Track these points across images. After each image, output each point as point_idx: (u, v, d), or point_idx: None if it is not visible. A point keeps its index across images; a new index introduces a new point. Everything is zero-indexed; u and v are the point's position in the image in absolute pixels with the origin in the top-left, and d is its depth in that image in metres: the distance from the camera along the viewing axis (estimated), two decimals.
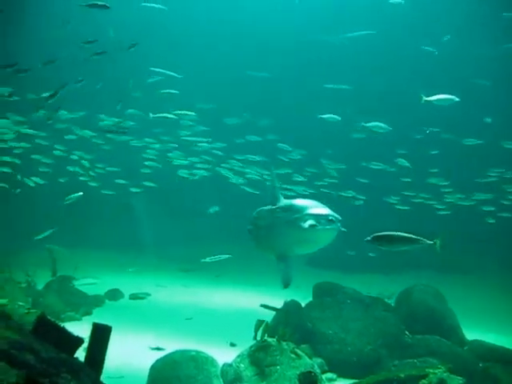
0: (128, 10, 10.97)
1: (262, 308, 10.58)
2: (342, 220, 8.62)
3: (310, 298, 11.33)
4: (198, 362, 8.65)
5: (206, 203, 17.63)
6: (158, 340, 11.05)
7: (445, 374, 8.15)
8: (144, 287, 15.87)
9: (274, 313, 10.68)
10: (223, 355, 9.56)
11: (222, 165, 17.51)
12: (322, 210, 8.75)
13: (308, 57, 22.09)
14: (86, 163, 17.25)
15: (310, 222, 8.59)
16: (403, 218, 16.25)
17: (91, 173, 17.37)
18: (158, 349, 9.65)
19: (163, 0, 17.27)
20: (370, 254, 16.00)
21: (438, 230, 7.54)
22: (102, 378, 4.74)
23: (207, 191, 18.90)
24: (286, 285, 9.02)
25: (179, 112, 15.27)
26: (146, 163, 17.72)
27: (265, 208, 9.64)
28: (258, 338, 9.46)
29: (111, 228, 20.51)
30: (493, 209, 16.35)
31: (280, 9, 22.67)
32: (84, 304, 13.40)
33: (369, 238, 7.22)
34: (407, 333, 10.40)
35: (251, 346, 9.22)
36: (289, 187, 15.77)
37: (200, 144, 17.64)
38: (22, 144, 15.95)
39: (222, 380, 8.67)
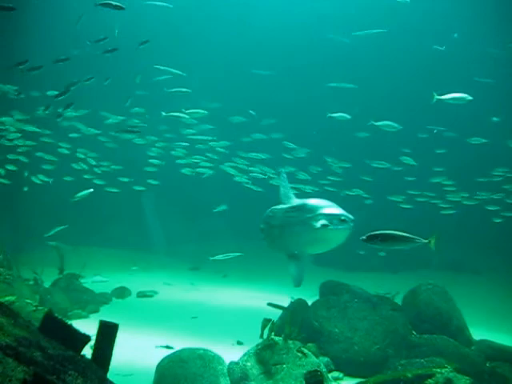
0: (133, 7, 10.96)
1: (269, 307, 10.56)
2: (354, 220, 8.59)
3: (317, 297, 11.32)
4: (205, 360, 8.67)
5: (214, 202, 17.63)
6: (164, 338, 11.06)
7: (451, 374, 8.13)
8: (152, 285, 15.92)
9: (280, 311, 10.67)
10: (230, 353, 9.57)
11: (229, 163, 17.49)
12: (334, 209, 8.73)
13: (315, 55, 22.05)
14: (91, 161, 17.30)
15: (323, 221, 8.57)
16: (409, 216, 16.25)
17: (96, 170, 17.40)
18: (168, 347, 9.65)
19: None
20: (380, 254, 15.99)
21: (435, 229, 7.52)
22: (110, 375, 4.76)
23: (215, 190, 18.92)
24: (297, 284, 9.02)
25: (190, 111, 15.26)
26: (153, 161, 17.74)
27: (277, 207, 9.65)
28: (265, 337, 9.46)
29: (118, 226, 20.58)
30: (498, 208, 16.29)
31: (286, 8, 22.65)
32: (91, 302, 13.47)
33: (364, 237, 7.22)
34: (414, 332, 10.38)
35: (258, 345, 9.23)
36: (293, 186, 15.75)
37: (210, 143, 17.63)
38: (28, 142, 16.01)
39: (228, 378, 8.68)
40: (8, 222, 17.15)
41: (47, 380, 3.89)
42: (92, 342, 4.82)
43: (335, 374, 9.75)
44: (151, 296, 15.20)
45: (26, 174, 16.39)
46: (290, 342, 9.19)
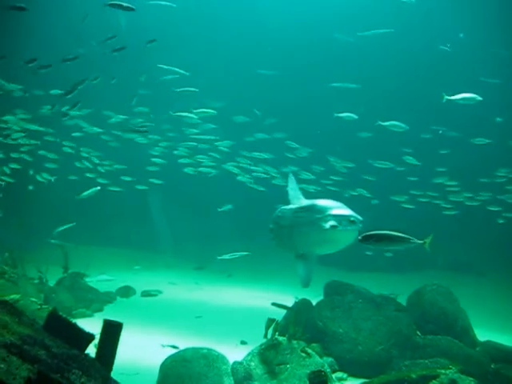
0: (136, 7, 10.95)
1: (273, 306, 10.57)
2: (363, 221, 8.59)
3: (321, 297, 11.31)
4: (209, 359, 8.67)
5: (219, 201, 17.64)
6: (168, 337, 11.06)
7: (456, 375, 8.10)
8: (156, 284, 15.93)
9: (284, 311, 10.67)
10: (234, 353, 9.59)
11: (233, 163, 17.48)
12: (343, 210, 8.73)
13: (319, 55, 22.02)
14: (95, 159, 17.34)
15: (332, 222, 8.57)
16: (413, 217, 16.24)
17: (100, 169, 17.43)
18: (174, 347, 9.65)
19: None
20: (387, 254, 15.95)
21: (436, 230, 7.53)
22: (115, 374, 4.76)
23: (220, 189, 18.92)
24: (305, 285, 9.02)
25: (199, 110, 15.27)
26: (156, 160, 17.74)
27: (286, 207, 9.65)
28: (269, 337, 9.47)
29: (121, 225, 20.60)
30: (500, 209, 16.26)
31: (291, 7, 22.63)
32: (95, 300, 13.49)
33: (359, 238, 7.25)
34: (419, 333, 10.36)
35: (262, 345, 9.23)
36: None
37: (214, 142, 17.64)
38: (31, 141, 16.04)
39: (232, 378, 8.69)
40: (12, 221, 17.17)
41: (51, 378, 3.90)
42: (96, 341, 4.83)
43: (339, 374, 9.74)
44: (155, 295, 15.22)
45: (32, 172, 16.42)
46: (294, 342, 9.19)
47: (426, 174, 16.81)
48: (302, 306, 10.82)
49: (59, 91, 15.06)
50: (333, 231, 8.53)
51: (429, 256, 17.55)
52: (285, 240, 9.62)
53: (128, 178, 17.45)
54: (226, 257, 12.45)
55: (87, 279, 14.63)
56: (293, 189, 9.78)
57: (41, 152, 16.53)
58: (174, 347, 9.59)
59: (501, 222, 16.27)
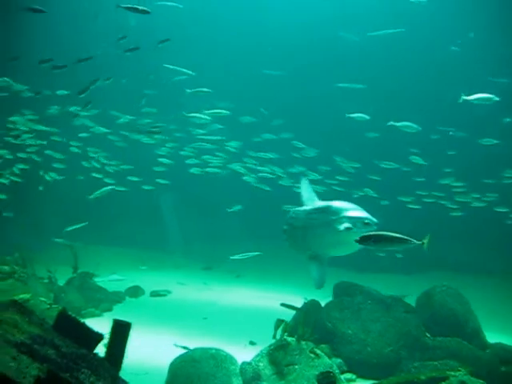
0: (145, 7, 11.00)
1: (282, 307, 10.56)
2: (378, 223, 8.58)
3: (330, 298, 11.28)
4: (218, 359, 8.68)
5: (228, 202, 17.65)
6: (177, 337, 11.08)
7: (465, 377, 8.07)
8: (165, 285, 15.95)
9: (293, 312, 10.66)
10: (242, 354, 9.58)
11: (241, 163, 17.49)
12: (358, 212, 8.73)
13: (325, 54, 21.98)
14: (102, 159, 17.40)
15: (346, 224, 8.57)
16: (421, 217, 16.19)
17: (108, 169, 17.48)
18: (185, 348, 9.67)
19: None
20: (398, 255, 15.90)
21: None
22: (123, 373, 4.77)
23: (229, 190, 18.93)
24: (319, 286, 9.03)
25: (212, 111, 15.30)
26: (163, 160, 17.76)
27: (300, 209, 9.64)
28: (278, 337, 9.46)
29: (127, 225, 20.64)
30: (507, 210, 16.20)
31: (297, 7, 22.62)
32: (105, 300, 13.53)
33: (357, 239, 7.26)
34: (428, 334, 10.32)
35: (270, 345, 9.23)
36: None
37: (224, 143, 17.67)
38: (38, 141, 16.13)
39: (241, 378, 8.69)
40: (21, 221, 17.26)
41: (61, 377, 3.92)
42: (105, 341, 4.85)
43: (348, 375, 9.71)
44: (164, 295, 15.24)
45: (42, 172, 16.50)
46: (303, 342, 9.18)
47: (433, 174, 16.77)
48: (311, 306, 10.80)
49: (65, 92, 15.18)
50: (347, 233, 8.52)
51: (438, 257, 17.56)
52: (298, 241, 9.61)
53: (135, 178, 17.47)
54: (238, 257, 12.47)
55: (98, 279, 14.67)
56: (306, 190, 9.77)
57: (48, 152, 16.60)
58: (186, 348, 9.59)
59: (510, 222, 16.18)
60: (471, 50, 19.64)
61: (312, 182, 15.58)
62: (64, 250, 14.92)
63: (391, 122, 12.99)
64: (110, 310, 13.24)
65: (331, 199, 9.45)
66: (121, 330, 4.89)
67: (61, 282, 13.69)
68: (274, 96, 21.27)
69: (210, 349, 8.97)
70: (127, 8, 10.84)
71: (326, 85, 20.07)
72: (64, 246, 14.99)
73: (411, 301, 11.30)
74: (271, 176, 16.88)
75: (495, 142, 15.40)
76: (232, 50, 22.07)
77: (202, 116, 15.24)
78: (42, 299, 10.88)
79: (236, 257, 12.50)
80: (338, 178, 16.74)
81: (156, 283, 15.96)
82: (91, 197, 13.61)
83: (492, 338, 10.83)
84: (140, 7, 10.76)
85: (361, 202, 9.44)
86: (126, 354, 4.89)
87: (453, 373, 8.18)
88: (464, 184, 16.46)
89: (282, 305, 10.56)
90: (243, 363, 8.99)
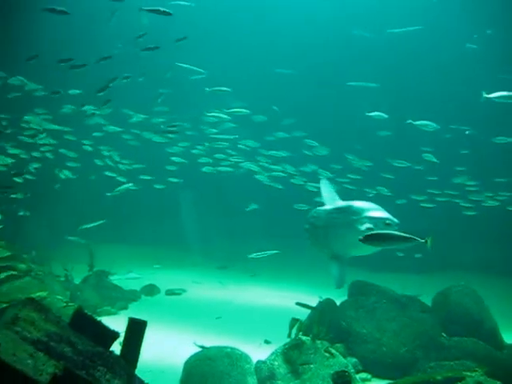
0: (156, 6, 11.06)
1: (297, 306, 10.55)
2: (399, 224, 8.55)
3: (345, 297, 11.26)
4: (233, 358, 8.69)
5: (244, 200, 17.66)
6: (192, 336, 11.10)
7: (482, 378, 8.00)
8: (180, 283, 15.99)
9: (308, 311, 10.64)
10: (257, 352, 9.59)
11: (259, 161, 17.49)
12: (379, 213, 8.72)
13: (338, 53, 21.92)
14: (116, 158, 17.50)
15: (368, 225, 8.56)
16: (440, 216, 16.10)
17: (121, 167, 17.56)
18: (203, 347, 9.69)
19: None
20: (416, 256, 15.82)
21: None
22: (140, 371, 4.79)
23: (246, 189, 18.94)
24: (339, 285, 9.03)
25: (233, 110, 15.33)
26: (175, 159, 17.80)
27: (321, 208, 9.66)
28: (293, 336, 9.45)
29: (147, 224, 20.72)
30: None
31: (309, 6, 22.57)
32: (120, 299, 13.61)
33: (361, 237, 7.30)
34: (444, 334, 10.26)
35: (285, 344, 9.22)
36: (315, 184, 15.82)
37: (238, 142, 17.68)
38: (51, 141, 16.25)
39: (255, 377, 8.69)
40: (38, 219, 17.38)
41: (77, 375, 3.95)
42: (121, 339, 4.87)
43: (363, 375, 9.68)
44: (179, 294, 15.28)
45: (57, 171, 16.62)
46: (318, 341, 9.17)
47: (446, 173, 16.69)
48: (326, 305, 10.79)
49: (78, 91, 15.28)
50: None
51: (454, 257, 17.42)
52: (319, 241, 9.62)
53: (147, 177, 17.52)
54: (256, 255, 12.48)
55: (115, 277, 14.77)
56: (328, 190, 9.77)
57: (62, 150, 16.72)
58: (204, 347, 9.61)
59: None
60: (487, 48, 19.49)
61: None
62: (79, 248, 15.02)
63: (409, 121, 12.94)
64: (125, 308, 13.31)
65: (344, 198, 9.45)
66: (136, 329, 4.91)
67: (77, 280, 13.78)
68: (286, 95, 21.22)
69: (225, 347, 8.99)
70: (150, 10, 10.88)
71: (338, 83, 20.02)
72: (79, 245, 15.10)
73: (426, 300, 11.24)
74: (283, 174, 16.88)
75: (510, 140, 15.29)
76: (245, 48, 22.06)
77: (223, 115, 15.28)
78: (59, 297, 10.96)
79: (254, 255, 12.52)
80: (349, 176, 16.70)
81: (171, 282, 16.01)
82: (110, 194, 13.70)
83: (509, 338, 10.74)
84: (162, 9, 10.80)
85: (374, 201, 9.43)
86: (141, 352, 4.91)
87: (469, 373, 8.11)
88: (477, 183, 16.36)
89: (297, 304, 10.56)
90: (258, 362, 8.99)
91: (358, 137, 19.66)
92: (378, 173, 16.82)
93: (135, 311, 12.84)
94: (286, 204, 16.53)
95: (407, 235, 7.23)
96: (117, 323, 5.22)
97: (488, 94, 11.44)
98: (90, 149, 17.20)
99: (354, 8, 21.89)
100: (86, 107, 15.48)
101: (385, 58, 21.26)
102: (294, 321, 9.67)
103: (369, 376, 9.72)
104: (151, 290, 15.11)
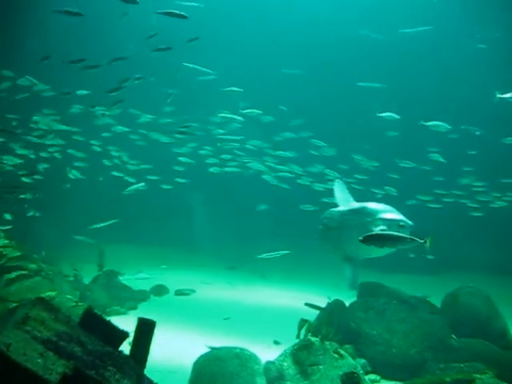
0: (163, 7, 11.09)
1: (306, 307, 10.55)
2: (413, 226, 8.54)
3: (354, 298, 11.23)
4: (242, 359, 8.69)
5: (254, 201, 17.66)
6: (201, 336, 11.13)
7: (492, 380, 7.94)
8: (189, 284, 16.01)
9: (317, 312, 10.63)
10: (266, 353, 9.58)
11: (267, 162, 17.50)
12: (393, 215, 8.73)
13: (345, 53, 21.91)
14: (125, 158, 17.56)
15: (381, 227, 8.56)
16: (443, 218, 16.03)
17: (130, 167, 17.59)
18: (213, 348, 9.69)
19: None
20: (429, 257, 15.78)
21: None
22: (149, 371, 4.80)
23: (255, 189, 18.94)
24: (352, 287, 9.04)
25: (247, 110, 15.36)
26: (182, 159, 17.82)
27: (335, 209, 9.65)
28: (302, 337, 9.44)
29: (154, 224, 20.74)
30: None
31: (316, 6, 22.55)
32: (130, 299, 13.64)
33: (361, 238, 7.32)
34: (454, 336, 10.20)
35: (294, 345, 9.21)
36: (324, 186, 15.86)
37: (246, 142, 17.69)
38: (59, 141, 16.33)
39: (264, 378, 8.69)
40: (46, 219, 17.45)
41: (87, 374, 3.96)
42: (130, 339, 4.88)
43: (372, 376, 9.65)
44: (188, 294, 15.30)
45: (68, 170, 16.69)
46: (327, 342, 9.15)
47: (453, 173, 16.66)
48: (335, 306, 10.77)
49: (86, 91, 15.34)
50: None
51: (464, 258, 17.33)
52: (333, 242, 9.64)
53: (154, 177, 17.55)
54: (267, 256, 12.49)
55: (125, 277, 14.81)
56: (341, 191, 9.77)
57: (70, 151, 16.80)
58: (213, 348, 9.61)
59: None
60: (494, 48, 19.44)
61: (330, 180, 15.64)
62: (88, 248, 15.07)
63: (422, 122, 12.92)
64: (134, 308, 13.33)
65: (359, 199, 9.46)
66: (146, 329, 4.91)
67: (86, 280, 13.83)
68: (293, 95, 21.22)
69: (235, 348, 8.99)
70: (165, 13, 10.91)
71: (346, 83, 20.01)
72: (88, 244, 15.15)
73: (435, 301, 11.20)
74: (290, 175, 16.89)
75: None
76: (252, 49, 22.08)
77: (235, 116, 15.33)
78: (68, 297, 10.97)
79: (265, 256, 12.52)
80: (356, 176, 16.69)
81: (180, 282, 16.03)
82: (124, 192, 13.76)
83: None
84: (177, 12, 10.84)
85: (382, 202, 9.43)
86: (150, 352, 4.92)
87: (479, 375, 8.06)
88: (484, 183, 16.32)
89: (306, 304, 10.55)
90: (267, 363, 8.99)
91: (365, 137, 19.64)
92: (384, 173, 16.81)
93: (144, 311, 12.86)
94: (294, 204, 16.54)
95: (406, 236, 7.27)
96: (126, 323, 5.23)
97: (501, 94, 11.41)
98: (98, 149, 17.27)
99: (359, 8, 21.88)
100: (97, 108, 15.53)
101: (391, 58, 21.23)
102: (303, 321, 9.66)
103: (378, 377, 9.69)
104: (160, 290, 15.14)
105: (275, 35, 22.05)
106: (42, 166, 16.03)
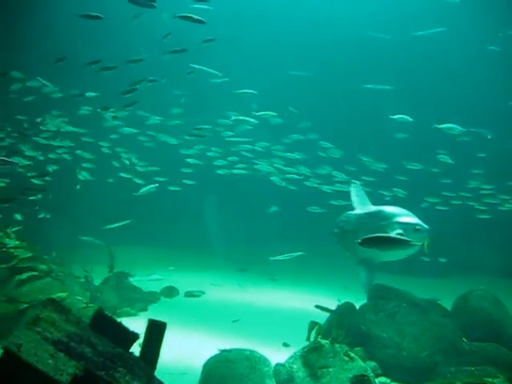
0: (172, 10, 11.16)
1: (316, 309, 10.52)
2: (429, 230, 8.52)
3: (364, 301, 11.18)
4: (252, 361, 8.68)
5: (263, 203, 17.64)
6: (211, 338, 11.13)
7: None
8: (199, 285, 16.03)
9: (327, 314, 10.61)
10: (276, 355, 9.57)
11: (277, 164, 17.50)
12: (409, 218, 8.72)
13: (353, 55, 21.86)
14: (134, 159, 17.62)
15: (397, 230, 8.55)
16: (453, 220, 15.97)
17: (139, 169, 17.63)
18: (223, 350, 9.69)
19: None
20: (441, 260, 15.71)
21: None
22: (159, 373, 4.80)
23: (263, 191, 18.93)
24: (367, 290, 9.04)
25: (261, 113, 15.39)
26: (190, 160, 17.84)
27: (351, 212, 9.65)
28: (311, 340, 9.42)
29: (162, 226, 20.77)
30: None
31: (324, 7, 22.53)
32: (140, 300, 13.67)
33: (359, 241, 7.37)
34: (465, 339, 10.14)
35: (304, 347, 9.19)
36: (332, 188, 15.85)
37: (255, 144, 17.71)
38: (68, 143, 16.41)
39: (274, 380, 8.67)
40: (56, 221, 17.52)
41: (97, 375, 3.96)
42: (140, 340, 4.88)
43: (382, 379, 9.60)
44: (198, 296, 15.31)
45: (78, 170, 16.76)
46: (337, 345, 9.13)
47: (462, 176, 16.62)
48: (345, 309, 10.72)
49: (94, 93, 15.40)
50: None
51: (475, 261, 17.23)
52: (348, 245, 9.62)
53: (162, 179, 17.56)
54: (281, 258, 12.48)
55: (135, 278, 14.84)
56: (358, 195, 9.77)
57: (79, 152, 16.87)
58: (224, 350, 9.60)
59: None
60: (505, 49, 19.35)
61: (338, 182, 15.64)
62: (98, 249, 15.11)
63: (435, 125, 12.88)
64: (145, 309, 13.36)
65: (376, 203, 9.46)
66: (156, 330, 4.92)
67: (96, 282, 13.87)
68: (300, 97, 21.20)
69: (245, 350, 8.98)
70: (183, 17, 10.94)
71: (353, 85, 19.99)
72: (98, 246, 15.19)
73: (446, 305, 11.13)
74: (298, 177, 16.90)
75: None
76: (260, 50, 22.08)
77: (250, 119, 15.37)
78: (79, 298, 11.04)
79: (278, 257, 12.51)
80: (364, 178, 16.66)
81: (189, 284, 16.04)
82: (137, 194, 13.82)
83: None
84: (195, 16, 10.87)
85: (394, 204, 9.42)
86: (160, 354, 4.92)
87: (490, 379, 7.99)
88: (493, 186, 16.27)
89: (317, 307, 10.53)
90: (277, 365, 8.97)
91: (373, 139, 19.61)
92: (392, 175, 16.77)
93: (154, 313, 12.88)
94: (302, 206, 16.53)
95: (404, 238, 7.26)
96: (136, 324, 5.24)
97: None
98: (107, 151, 17.33)
99: (369, 9, 21.83)
100: (110, 109, 15.59)
101: (400, 60, 21.18)
102: (313, 324, 9.62)
103: (388, 380, 9.63)
104: (170, 291, 15.16)
105: (283, 37, 22.04)
106: (51, 168, 16.10)
